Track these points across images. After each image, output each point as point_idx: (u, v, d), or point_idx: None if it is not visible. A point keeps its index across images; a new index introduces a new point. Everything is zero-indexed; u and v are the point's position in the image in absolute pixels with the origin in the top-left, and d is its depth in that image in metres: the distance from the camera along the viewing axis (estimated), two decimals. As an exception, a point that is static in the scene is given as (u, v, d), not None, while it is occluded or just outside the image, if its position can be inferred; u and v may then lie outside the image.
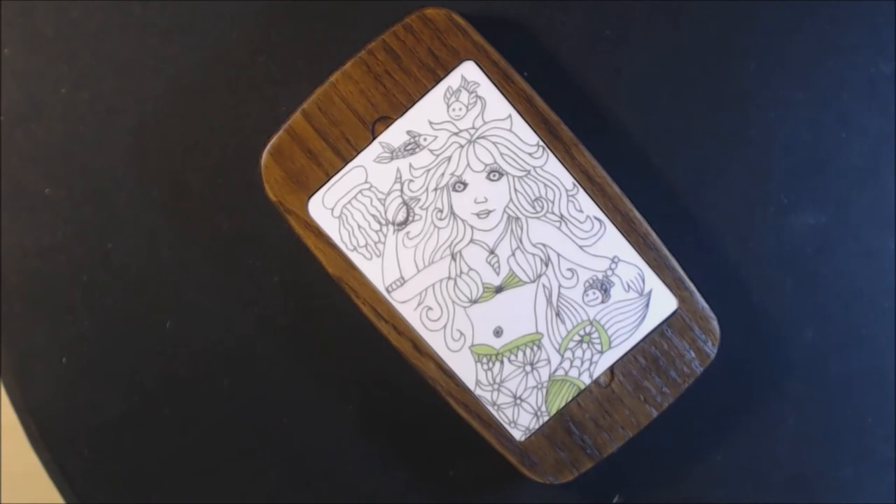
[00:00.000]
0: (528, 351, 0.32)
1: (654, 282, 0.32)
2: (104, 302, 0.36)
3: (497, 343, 0.32)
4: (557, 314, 0.32)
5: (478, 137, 0.32)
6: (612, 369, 0.33)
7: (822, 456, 0.36)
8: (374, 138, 0.32)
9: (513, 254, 0.32)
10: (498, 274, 0.32)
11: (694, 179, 0.35)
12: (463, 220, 0.32)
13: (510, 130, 0.32)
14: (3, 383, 0.37)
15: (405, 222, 0.32)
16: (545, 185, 0.32)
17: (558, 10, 0.34)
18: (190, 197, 0.35)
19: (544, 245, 0.32)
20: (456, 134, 0.32)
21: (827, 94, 0.35)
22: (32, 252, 0.36)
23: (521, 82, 0.32)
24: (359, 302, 0.32)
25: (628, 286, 0.32)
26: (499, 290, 0.32)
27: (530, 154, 0.32)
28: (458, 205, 0.32)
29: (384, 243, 0.32)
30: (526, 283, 0.32)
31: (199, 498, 0.36)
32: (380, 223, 0.32)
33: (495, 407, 0.33)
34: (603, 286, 0.32)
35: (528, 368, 0.33)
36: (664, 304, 0.33)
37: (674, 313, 0.33)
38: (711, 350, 0.33)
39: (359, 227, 0.32)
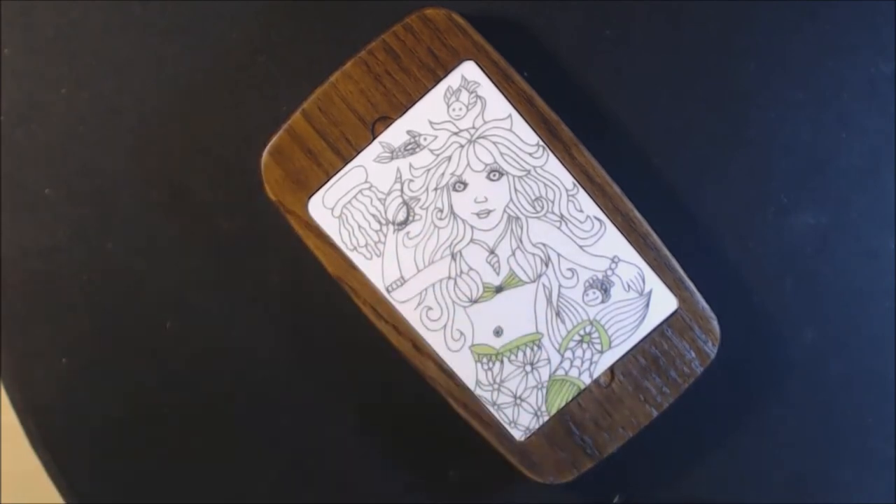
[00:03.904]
0: (528, 351, 0.32)
1: (654, 282, 0.32)
2: (104, 302, 0.36)
3: (497, 343, 0.32)
4: (557, 314, 0.32)
5: (478, 137, 0.32)
6: (612, 369, 0.33)
7: (822, 456, 0.36)
8: (374, 138, 0.32)
9: (513, 254, 0.32)
10: (498, 274, 0.32)
11: (694, 179, 0.35)
12: (463, 220, 0.32)
13: (510, 130, 0.32)
14: (3, 383, 0.37)
15: (405, 222, 0.32)
16: (545, 184, 0.32)
17: (558, 10, 0.34)
18: (190, 197, 0.35)
19: (544, 245, 0.32)
20: (456, 134, 0.32)
21: (827, 94, 0.35)
22: (32, 252, 0.36)
23: (521, 82, 0.32)
24: (359, 302, 0.32)
25: (628, 286, 0.32)
26: (499, 289, 0.32)
27: (530, 154, 0.32)
28: (459, 205, 0.32)
29: (384, 243, 0.32)
30: (526, 282, 0.32)
31: (200, 498, 0.36)
32: (380, 223, 0.32)
33: (495, 407, 0.33)
34: (603, 286, 0.32)
35: (529, 368, 0.33)
36: (664, 304, 0.33)
37: (674, 313, 0.33)
38: (711, 350, 0.33)
39: (359, 226, 0.32)
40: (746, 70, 0.35)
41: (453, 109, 0.32)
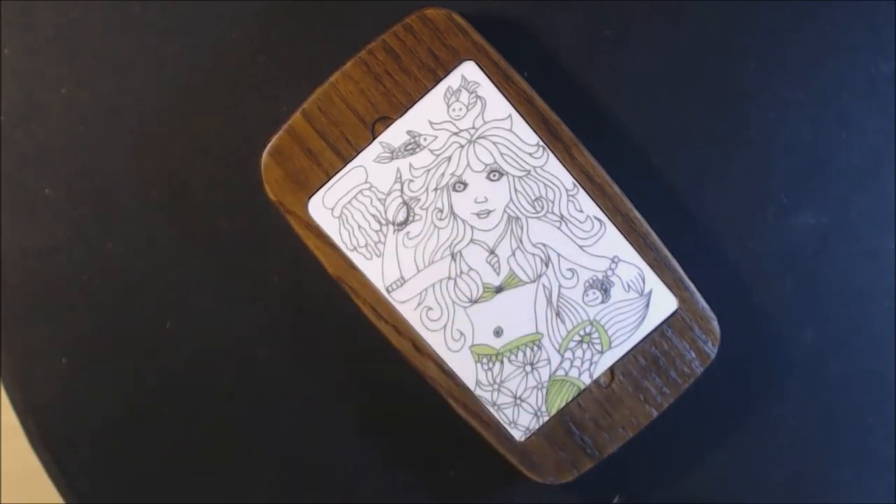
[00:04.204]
0: (528, 351, 0.32)
1: (654, 282, 0.32)
2: (104, 302, 0.36)
3: (497, 343, 0.32)
4: (557, 314, 0.32)
5: (478, 137, 0.32)
6: (612, 369, 0.33)
7: (822, 456, 0.36)
8: (374, 138, 0.32)
9: (513, 254, 0.32)
10: (498, 274, 0.32)
11: (694, 179, 0.35)
12: (463, 220, 0.32)
13: (510, 130, 0.32)
14: (3, 384, 0.37)
15: (405, 222, 0.32)
16: (545, 185, 0.32)
17: (558, 10, 0.34)
18: (190, 197, 0.35)
19: (544, 245, 0.32)
20: (456, 134, 0.32)
21: (827, 94, 0.35)
22: (32, 252, 0.36)
23: (521, 82, 0.32)
24: (359, 302, 0.32)
25: (628, 286, 0.32)
26: (499, 290, 0.32)
27: (530, 154, 0.32)
28: (459, 205, 0.32)
29: (384, 243, 0.32)
30: (526, 283, 0.32)
31: (199, 498, 0.36)
32: (380, 223, 0.32)
33: (495, 407, 0.33)
34: (603, 286, 0.32)
35: (529, 368, 0.33)
36: (664, 304, 0.33)
37: (674, 313, 0.33)
38: (711, 350, 0.33)
39: (359, 227, 0.32)
40: (746, 70, 0.35)
41: (453, 109, 0.32)
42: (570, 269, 0.32)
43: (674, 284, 0.33)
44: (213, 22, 0.35)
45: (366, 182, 0.32)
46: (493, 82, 0.32)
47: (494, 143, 0.32)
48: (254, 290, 0.36)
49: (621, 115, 0.35)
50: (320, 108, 0.32)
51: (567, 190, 0.32)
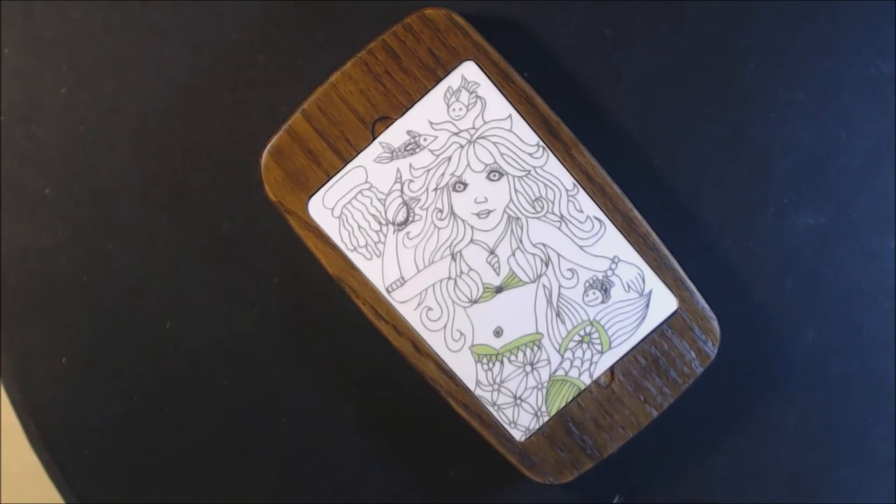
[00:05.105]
0: (528, 351, 0.32)
1: (654, 282, 0.32)
2: (104, 302, 0.36)
3: (497, 343, 0.32)
4: (557, 314, 0.32)
5: (478, 137, 0.32)
6: (612, 369, 0.33)
7: (822, 456, 0.36)
8: (374, 138, 0.32)
9: (513, 254, 0.32)
10: (498, 274, 0.32)
11: (694, 179, 0.35)
12: (463, 220, 0.32)
13: (510, 130, 0.32)
14: (3, 384, 0.37)
15: (405, 222, 0.32)
16: (545, 185, 0.32)
17: (558, 10, 0.34)
18: (190, 197, 0.35)
19: (544, 245, 0.32)
20: (456, 134, 0.32)
21: (827, 94, 0.35)
22: (32, 252, 0.36)
23: (521, 82, 0.32)
24: (359, 302, 0.32)
25: (628, 286, 0.32)
26: (499, 290, 0.32)
27: (530, 154, 0.32)
28: (459, 205, 0.32)
29: (384, 243, 0.32)
30: (526, 283, 0.32)
31: (199, 498, 0.36)
32: (380, 223, 0.32)
33: (495, 407, 0.33)
34: (603, 286, 0.32)
35: (529, 368, 0.33)
36: (664, 304, 0.33)
37: (674, 313, 0.33)
38: (711, 350, 0.33)
39: (359, 227, 0.32)
40: (746, 70, 0.35)
41: (453, 110, 0.32)
42: (570, 269, 0.32)
43: (674, 284, 0.33)
44: (213, 22, 0.35)
45: (366, 182, 0.32)
46: (493, 82, 0.32)
47: (494, 143, 0.32)
48: (254, 290, 0.36)
49: (621, 115, 0.35)
50: (320, 108, 0.32)
51: (567, 190, 0.32)
